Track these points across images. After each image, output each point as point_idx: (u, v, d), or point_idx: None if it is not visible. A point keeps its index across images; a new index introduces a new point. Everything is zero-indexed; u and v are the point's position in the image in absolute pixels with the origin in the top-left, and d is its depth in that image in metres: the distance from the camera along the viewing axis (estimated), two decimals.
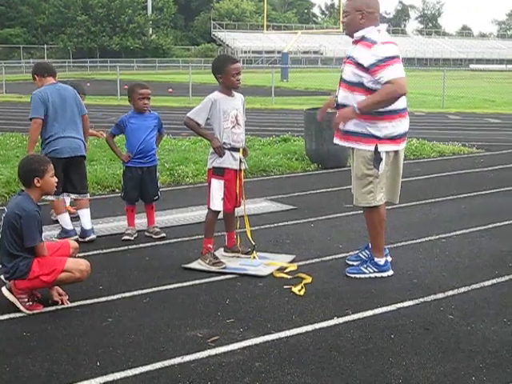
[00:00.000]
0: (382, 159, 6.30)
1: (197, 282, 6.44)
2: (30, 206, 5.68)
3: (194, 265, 6.88)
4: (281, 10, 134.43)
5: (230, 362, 4.74)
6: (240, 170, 6.98)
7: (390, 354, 4.86)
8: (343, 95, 6.39)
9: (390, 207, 9.54)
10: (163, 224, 8.44)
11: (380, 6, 6.36)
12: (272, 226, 8.34)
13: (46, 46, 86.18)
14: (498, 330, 5.27)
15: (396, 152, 6.44)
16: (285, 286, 6.26)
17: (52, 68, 8.21)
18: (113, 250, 7.53)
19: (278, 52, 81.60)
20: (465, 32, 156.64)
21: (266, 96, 32.07)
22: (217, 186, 6.91)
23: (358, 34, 6.27)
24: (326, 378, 4.49)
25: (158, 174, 8.30)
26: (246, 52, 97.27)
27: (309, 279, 6.41)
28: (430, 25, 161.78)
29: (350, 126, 6.36)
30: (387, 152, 6.34)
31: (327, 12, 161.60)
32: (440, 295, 6.04)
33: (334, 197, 10.42)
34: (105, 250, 7.49)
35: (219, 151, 6.83)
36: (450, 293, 6.10)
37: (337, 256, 7.24)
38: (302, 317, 5.54)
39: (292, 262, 7.03)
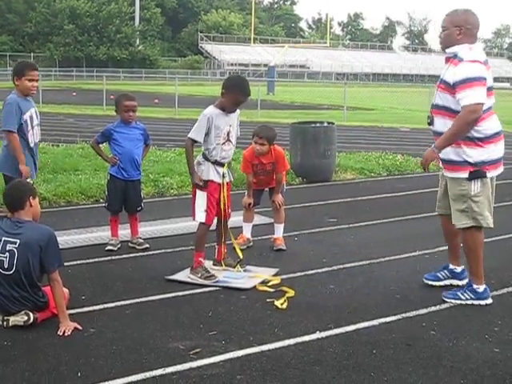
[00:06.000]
0: (480, 178, 6.08)
1: (180, 293, 6.43)
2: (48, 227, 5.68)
3: (180, 277, 6.86)
4: (268, 24, 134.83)
5: (212, 374, 4.73)
6: (224, 183, 6.97)
7: (371, 368, 4.86)
8: (439, 122, 6.22)
9: (374, 222, 9.60)
10: (147, 235, 8.43)
11: (480, 23, 6.20)
12: (256, 239, 8.33)
13: (32, 55, 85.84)
14: (479, 347, 5.28)
15: (491, 178, 6.22)
16: (267, 300, 6.26)
17: None
18: (96, 260, 7.50)
19: (265, 65, 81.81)
20: None
21: (252, 109, 32.04)
22: (200, 198, 6.90)
23: (450, 50, 6.16)
24: None
25: (141, 185, 8.30)
26: (232, 64, 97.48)
27: (292, 293, 6.41)
28: (417, 41, 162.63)
29: (443, 153, 6.17)
30: (481, 178, 6.11)
31: (314, 26, 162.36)
32: (422, 311, 6.05)
33: (317, 211, 10.44)
34: (88, 260, 7.45)
35: (199, 187, 6.83)
36: (433, 309, 6.12)
37: (320, 270, 7.25)
38: (285, 330, 5.54)
39: (275, 275, 7.03)
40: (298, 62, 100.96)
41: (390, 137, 23.11)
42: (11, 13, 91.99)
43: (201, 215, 6.90)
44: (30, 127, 7.21)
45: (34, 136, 7.30)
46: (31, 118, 7.24)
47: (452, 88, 5.98)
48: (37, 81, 7.29)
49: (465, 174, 6.08)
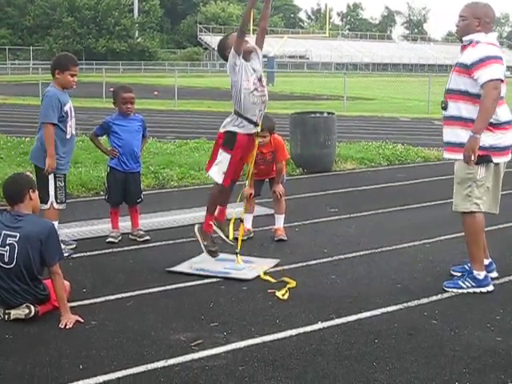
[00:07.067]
0: (486, 162, 6.14)
1: (181, 285, 6.43)
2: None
3: (181, 268, 6.86)
4: None
5: (214, 365, 4.72)
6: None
7: (373, 358, 4.86)
8: (452, 106, 6.23)
9: (375, 212, 9.60)
10: (147, 227, 8.42)
11: (495, 17, 6.38)
12: (257, 229, 8.32)
13: (31, 48, 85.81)
14: (481, 336, 5.28)
15: (496, 164, 6.26)
16: (269, 290, 6.25)
17: None
18: (97, 252, 7.50)
19: (264, 56, 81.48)
20: (450, 38, 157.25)
21: None
22: (222, 159, 6.82)
23: (466, 38, 6.23)
24: (309, 383, 4.49)
25: (141, 177, 8.30)
26: None
27: (293, 283, 6.40)
28: (416, 31, 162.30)
29: (451, 136, 6.30)
30: (487, 162, 6.17)
31: (313, 17, 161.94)
32: (424, 300, 6.05)
33: (318, 201, 10.44)
34: (89, 253, 7.45)
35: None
36: (434, 298, 6.12)
37: (321, 260, 7.25)
38: (286, 321, 5.54)
39: (276, 266, 7.02)
40: (297, 53, 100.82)
41: (390, 126, 23.09)
42: (10, 6, 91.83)
43: (218, 177, 6.84)
44: (69, 118, 7.28)
45: (72, 127, 7.37)
46: (71, 109, 7.34)
47: (470, 68, 6.04)
48: (77, 75, 7.37)
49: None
